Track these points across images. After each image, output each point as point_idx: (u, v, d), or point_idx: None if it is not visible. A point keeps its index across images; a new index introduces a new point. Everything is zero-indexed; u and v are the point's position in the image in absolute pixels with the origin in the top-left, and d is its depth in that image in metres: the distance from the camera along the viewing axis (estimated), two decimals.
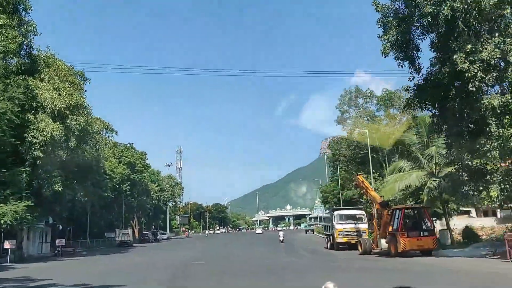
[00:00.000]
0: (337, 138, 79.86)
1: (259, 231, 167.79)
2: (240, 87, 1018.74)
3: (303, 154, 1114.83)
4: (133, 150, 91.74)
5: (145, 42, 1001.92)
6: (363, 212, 48.14)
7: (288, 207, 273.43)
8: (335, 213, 47.95)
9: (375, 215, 40.32)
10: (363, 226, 46.05)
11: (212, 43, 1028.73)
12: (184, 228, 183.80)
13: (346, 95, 64.54)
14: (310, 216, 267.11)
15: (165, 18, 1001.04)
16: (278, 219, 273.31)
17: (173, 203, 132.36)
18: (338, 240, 45.62)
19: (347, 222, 46.32)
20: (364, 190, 42.80)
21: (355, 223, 46.21)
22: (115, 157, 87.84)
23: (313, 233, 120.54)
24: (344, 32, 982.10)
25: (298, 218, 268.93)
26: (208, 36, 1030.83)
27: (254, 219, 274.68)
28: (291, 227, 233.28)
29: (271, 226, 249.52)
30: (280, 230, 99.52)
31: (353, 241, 44.26)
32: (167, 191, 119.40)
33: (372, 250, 38.75)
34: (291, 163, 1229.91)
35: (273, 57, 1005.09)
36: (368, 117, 61.80)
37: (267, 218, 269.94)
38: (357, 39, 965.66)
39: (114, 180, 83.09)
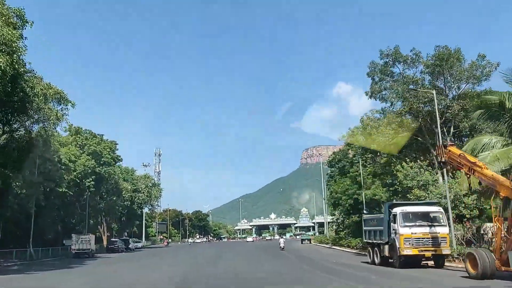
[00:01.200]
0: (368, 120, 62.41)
1: (249, 239, 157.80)
2: (224, 94, 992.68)
3: (283, 164, 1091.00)
4: (100, 138, 72.80)
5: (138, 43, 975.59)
6: (441, 210, 30.38)
7: (272, 215, 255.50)
8: (397, 210, 29.90)
9: (498, 212, 22.69)
10: (443, 231, 28.58)
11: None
12: (162, 236, 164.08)
13: (382, 58, 47.00)
14: (296, 225, 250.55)
15: (159, 19, 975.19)
16: (261, 228, 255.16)
17: (150, 208, 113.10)
18: (405, 252, 28.02)
19: (418, 224, 28.72)
20: (467, 170, 24.76)
21: (431, 226, 28.65)
22: (77, 145, 69.26)
23: (310, 242, 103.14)
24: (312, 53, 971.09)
25: (283, 227, 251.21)
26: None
27: (236, 228, 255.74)
28: (276, 237, 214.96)
29: (254, 235, 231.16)
30: (281, 238, 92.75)
31: (427, 254, 28.18)
32: (143, 193, 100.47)
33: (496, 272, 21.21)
34: (271, 173, 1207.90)
35: (259, 64, 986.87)
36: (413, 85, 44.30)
37: (250, 227, 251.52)
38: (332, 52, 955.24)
39: (74, 172, 64.37)
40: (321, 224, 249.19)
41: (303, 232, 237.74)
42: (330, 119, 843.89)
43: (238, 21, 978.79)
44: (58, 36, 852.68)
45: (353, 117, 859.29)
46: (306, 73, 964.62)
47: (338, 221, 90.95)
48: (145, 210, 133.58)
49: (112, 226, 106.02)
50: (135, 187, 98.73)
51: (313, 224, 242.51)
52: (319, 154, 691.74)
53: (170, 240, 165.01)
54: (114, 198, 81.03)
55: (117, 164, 79.13)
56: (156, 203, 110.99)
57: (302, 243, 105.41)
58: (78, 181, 65.75)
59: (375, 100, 49.82)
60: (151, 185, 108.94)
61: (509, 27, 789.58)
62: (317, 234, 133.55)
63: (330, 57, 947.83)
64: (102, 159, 70.06)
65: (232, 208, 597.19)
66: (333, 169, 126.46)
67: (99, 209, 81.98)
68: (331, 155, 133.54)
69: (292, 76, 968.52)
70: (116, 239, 78.76)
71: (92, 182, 68.18)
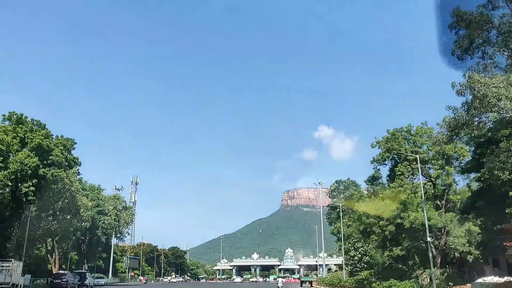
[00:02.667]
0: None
1: (237, 280, 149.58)
2: (204, 136, 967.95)
3: (263, 205, 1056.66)
4: (47, 130, 51.97)
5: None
6: None
7: (255, 255, 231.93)
8: None
9: None
10: None
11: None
12: (133, 273, 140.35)
13: None
14: (280, 267, 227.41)
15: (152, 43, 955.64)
16: (242, 269, 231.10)
17: (119, 235, 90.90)
18: None
19: None
20: None
21: None
22: (17, 137, 48.88)
23: (311, 285, 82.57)
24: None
25: (266, 269, 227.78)
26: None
27: (216, 268, 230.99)
28: (259, 279, 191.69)
29: (234, 276, 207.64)
30: (279, 278, 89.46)
31: None
32: (110, 215, 79.19)
33: None
34: (250, 214, 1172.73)
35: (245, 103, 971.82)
36: None
37: (230, 268, 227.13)
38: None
39: (5, 172, 43.75)
40: (310, 267, 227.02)
41: (288, 274, 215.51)
42: (311, 161, 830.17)
43: (220, 55, 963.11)
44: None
45: (334, 159, 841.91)
46: (288, 114, 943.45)
47: (355, 258, 71.26)
48: (114, 240, 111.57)
49: (70, 256, 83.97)
50: (100, 209, 77.55)
51: (298, 267, 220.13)
52: (300, 196, 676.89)
53: (141, 278, 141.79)
54: (69, 217, 59.78)
55: (74, 169, 58.20)
56: (126, 230, 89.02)
57: (301, 286, 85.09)
58: (10, 183, 45.00)
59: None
60: (121, 208, 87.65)
61: None
62: (322, 275, 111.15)
63: (314, 100, 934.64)
64: (50, 158, 49.31)
65: (210, 248, 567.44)
66: (335, 199, 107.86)
67: (48, 230, 60.73)
68: (333, 184, 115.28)
69: (274, 116, 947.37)
70: (65, 272, 56.74)
71: (32, 188, 47.31)
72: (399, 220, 46.71)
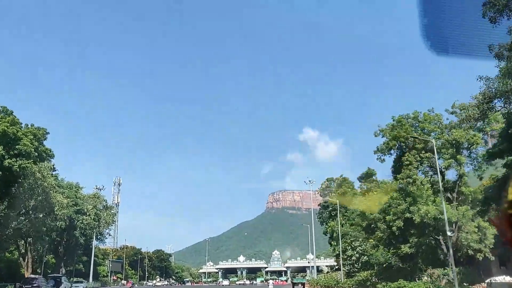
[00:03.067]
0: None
1: (225, 283, 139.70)
2: (192, 137, 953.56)
3: (248, 208, 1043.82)
4: (14, 117, 45.98)
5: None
6: None
7: (241, 258, 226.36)
8: None
9: None
10: None
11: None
12: (115, 277, 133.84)
13: None
14: (267, 269, 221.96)
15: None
16: (228, 272, 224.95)
17: (99, 237, 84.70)
18: None
19: None
20: None
21: None
22: None
23: (304, 287, 77.66)
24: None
25: (253, 271, 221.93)
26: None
27: (201, 271, 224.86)
28: (246, 282, 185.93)
29: (220, 279, 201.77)
30: (270, 279, 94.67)
31: None
32: (89, 215, 73.30)
33: None
34: (236, 217, 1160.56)
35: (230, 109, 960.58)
36: None
37: (216, 271, 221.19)
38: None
39: None
40: (298, 269, 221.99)
41: (275, 276, 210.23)
42: (296, 163, 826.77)
43: (204, 58, 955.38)
44: None
45: (319, 162, 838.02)
46: (273, 117, 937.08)
47: (352, 258, 66.45)
48: (94, 242, 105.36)
49: (45, 259, 77.78)
50: (78, 208, 71.62)
51: (285, 269, 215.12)
52: (285, 199, 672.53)
53: (124, 282, 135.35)
54: (42, 216, 53.90)
55: (47, 163, 52.31)
56: (107, 230, 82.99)
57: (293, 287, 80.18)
58: None
59: None
60: (101, 207, 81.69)
61: None
62: (313, 276, 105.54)
63: (299, 103, 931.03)
64: (17, 147, 43.46)
65: (194, 251, 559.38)
66: (326, 198, 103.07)
67: (19, 230, 54.81)
68: (324, 182, 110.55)
69: (258, 120, 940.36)
70: (36, 276, 50.92)
71: None
72: (408, 215, 41.97)
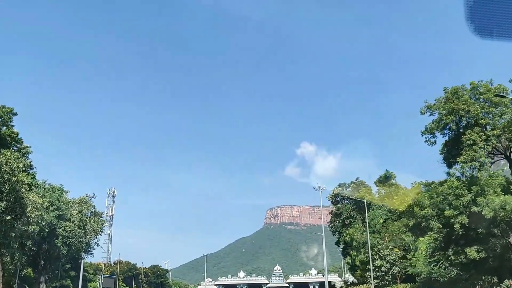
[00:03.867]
0: None
1: None
2: (188, 152, 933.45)
3: (246, 224, 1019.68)
4: None
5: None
6: None
7: (241, 274, 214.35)
8: None
9: None
10: None
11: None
12: None
13: None
14: (268, 285, 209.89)
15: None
16: None
17: (85, 247, 73.55)
18: None
19: None
20: None
21: None
22: None
23: None
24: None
25: None
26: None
27: (200, 287, 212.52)
28: None
29: None
30: None
31: None
32: (73, 221, 62.76)
33: None
34: (233, 233, 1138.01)
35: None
36: None
37: (215, 287, 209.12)
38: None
39: None
40: (301, 285, 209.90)
41: None
42: (294, 178, 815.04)
43: (198, 69, 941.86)
44: None
45: (318, 177, 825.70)
46: (270, 132, 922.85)
47: (382, 269, 56.00)
48: (83, 254, 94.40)
49: (23, 274, 66.95)
50: (60, 213, 61.02)
51: (287, 285, 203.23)
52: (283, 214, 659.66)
53: None
54: (9, 218, 43.35)
55: (21, 159, 42.11)
56: (95, 240, 71.98)
57: None
58: None
59: None
60: (89, 214, 71.12)
61: None
62: None
63: (294, 117, 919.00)
64: None
65: (192, 268, 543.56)
66: (339, 205, 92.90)
67: None
68: (336, 188, 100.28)
69: (254, 134, 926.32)
70: None
71: None
72: (475, 208, 31.81)
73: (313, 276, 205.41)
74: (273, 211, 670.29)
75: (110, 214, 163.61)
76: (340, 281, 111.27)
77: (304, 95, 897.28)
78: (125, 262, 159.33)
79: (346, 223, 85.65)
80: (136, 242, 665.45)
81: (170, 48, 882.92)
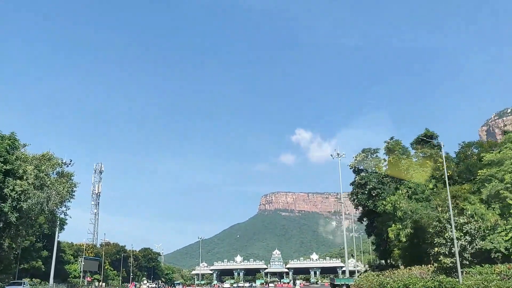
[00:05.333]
0: None
1: (226, 285, 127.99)
2: (183, 138, 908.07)
3: (240, 210, 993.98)
4: None
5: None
6: None
7: (238, 258, 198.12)
8: None
9: None
10: None
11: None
12: (90, 278, 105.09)
13: None
14: (266, 270, 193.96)
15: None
16: (223, 274, 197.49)
17: (47, 215, 56.05)
18: None
19: None
20: None
21: None
22: None
23: None
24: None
25: (251, 273, 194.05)
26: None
27: (194, 272, 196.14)
28: (246, 284, 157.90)
29: (214, 282, 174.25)
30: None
31: None
32: (27, 179, 45.44)
33: None
34: (228, 219, 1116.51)
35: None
36: None
37: (211, 272, 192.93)
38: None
39: None
40: (301, 270, 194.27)
41: (276, 278, 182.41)
42: (289, 165, 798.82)
43: (198, 58, 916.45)
44: None
45: (312, 164, 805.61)
46: (265, 119, 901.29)
47: (461, 244, 39.27)
48: (58, 233, 77.55)
49: None
50: (9, 167, 43.78)
51: (287, 270, 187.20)
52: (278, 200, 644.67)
53: (101, 283, 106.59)
54: None
55: None
56: (61, 208, 54.40)
57: None
58: None
59: None
60: (54, 174, 53.93)
61: None
62: (353, 277, 75.35)
63: (290, 104, 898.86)
64: None
65: (186, 254, 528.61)
66: (362, 174, 75.94)
67: None
68: (359, 154, 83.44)
69: (251, 123, 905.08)
70: None
71: None
72: None
73: (314, 261, 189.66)
74: (267, 197, 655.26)
75: (96, 192, 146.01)
76: (369, 265, 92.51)
77: (299, 84, 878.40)
78: (113, 244, 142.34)
79: (373, 194, 69.07)
80: (129, 228, 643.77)
81: (166, 38, 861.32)
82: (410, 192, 53.03)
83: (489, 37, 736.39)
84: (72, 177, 55.74)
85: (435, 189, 51.70)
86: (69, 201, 54.97)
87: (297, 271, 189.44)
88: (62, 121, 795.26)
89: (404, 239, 48.76)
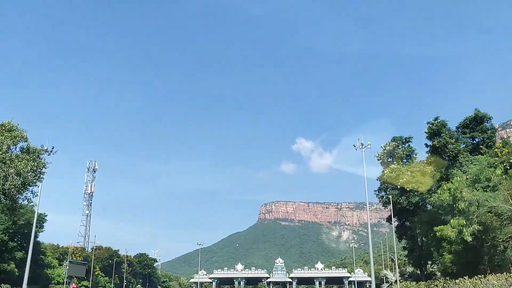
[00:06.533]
0: None
1: None
2: (182, 145, 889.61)
3: (239, 219, 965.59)
4: None
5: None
6: None
7: (239, 266, 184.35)
8: None
9: None
10: None
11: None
12: (75, 285, 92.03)
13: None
14: (269, 280, 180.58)
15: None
16: (223, 283, 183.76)
17: (9, 204, 43.50)
18: None
19: None
20: None
21: None
22: None
23: None
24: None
25: (253, 282, 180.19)
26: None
27: (192, 280, 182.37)
28: None
29: None
30: None
31: None
32: None
33: None
34: (227, 228, 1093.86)
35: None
36: None
37: (210, 281, 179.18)
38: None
39: None
40: (306, 280, 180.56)
41: None
42: (290, 174, 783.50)
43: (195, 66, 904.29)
44: None
45: (313, 173, 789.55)
46: (264, 129, 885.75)
47: None
48: (35, 229, 64.63)
49: None
50: None
51: (290, 280, 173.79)
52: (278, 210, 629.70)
53: None
54: None
55: None
56: (25, 194, 41.80)
57: None
58: None
59: None
60: (16, 150, 41.70)
61: None
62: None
63: (288, 113, 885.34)
64: None
65: (184, 262, 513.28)
66: (393, 166, 63.55)
67: None
68: (389, 143, 70.70)
69: (252, 130, 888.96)
70: None
71: None
72: None
73: (318, 271, 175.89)
74: (267, 206, 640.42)
75: (89, 192, 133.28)
76: (406, 273, 75.66)
77: (301, 92, 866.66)
78: (106, 248, 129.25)
79: (407, 189, 56.78)
80: (124, 234, 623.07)
81: (165, 43, 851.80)
82: (470, 179, 40.72)
83: (493, 46, 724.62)
84: (40, 155, 43.24)
85: (504, 176, 39.35)
86: (36, 185, 42.52)
87: (301, 281, 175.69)
88: (61, 121, 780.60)
89: (470, 239, 36.26)
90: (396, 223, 63.64)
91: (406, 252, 66.32)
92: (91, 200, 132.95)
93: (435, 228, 44.44)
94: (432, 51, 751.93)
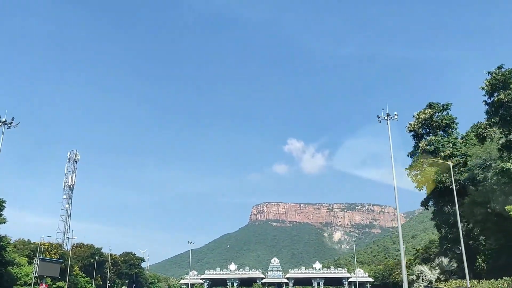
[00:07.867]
0: None
1: None
2: (173, 146, 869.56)
3: (231, 220, 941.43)
4: None
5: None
6: None
7: (233, 266, 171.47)
8: None
9: None
10: None
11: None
12: (46, 285, 78.26)
13: None
14: (264, 280, 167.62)
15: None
16: (215, 284, 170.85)
17: None
18: None
19: None
20: None
21: None
22: None
23: None
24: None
25: (247, 283, 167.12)
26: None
27: (183, 281, 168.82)
28: None
29: None
30: None
31: None
32: None
33: None
34: (218, 229, 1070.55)
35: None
36: None
37: (201, 282, 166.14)
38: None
39: None
40: (303, 280, 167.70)
41: None
42: (281, 175, 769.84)
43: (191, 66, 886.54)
44: None
45: (305, 174, 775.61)
46: (255, 129, 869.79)
47: None
48: None
49: None
50: None
51: (286, 280, 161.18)
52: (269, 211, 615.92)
53: None
54: None
55: None
56: None
57: None
58: None
59: None
60: None
61: None
62: None
63: (282, 115, 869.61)
64: None
65: (174, 263, 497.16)
66: (431, 137, 50.72)
67: None
68: (425, 109, 57.42)
69: (244, 131, 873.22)
70: None
71: None
72: None
73: (316, 271, 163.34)
74: (258, 207, 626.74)
75: (69, 184, 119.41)
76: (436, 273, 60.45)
77: (294, 94, 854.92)
78: (87, 245, 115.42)
79: (450, 165, 44.22)
80: (115, 236, 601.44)
81: (160, 46, 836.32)
82: None
83: (492, 48, 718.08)
84: None
85: None
86: None
87: (298, 282, 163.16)
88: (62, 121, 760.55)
89: None
90: (434, 207, 51.18)
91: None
92: (71, 193, 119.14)
93: (507, 207, 32.24)
94: (434, 54, 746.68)
